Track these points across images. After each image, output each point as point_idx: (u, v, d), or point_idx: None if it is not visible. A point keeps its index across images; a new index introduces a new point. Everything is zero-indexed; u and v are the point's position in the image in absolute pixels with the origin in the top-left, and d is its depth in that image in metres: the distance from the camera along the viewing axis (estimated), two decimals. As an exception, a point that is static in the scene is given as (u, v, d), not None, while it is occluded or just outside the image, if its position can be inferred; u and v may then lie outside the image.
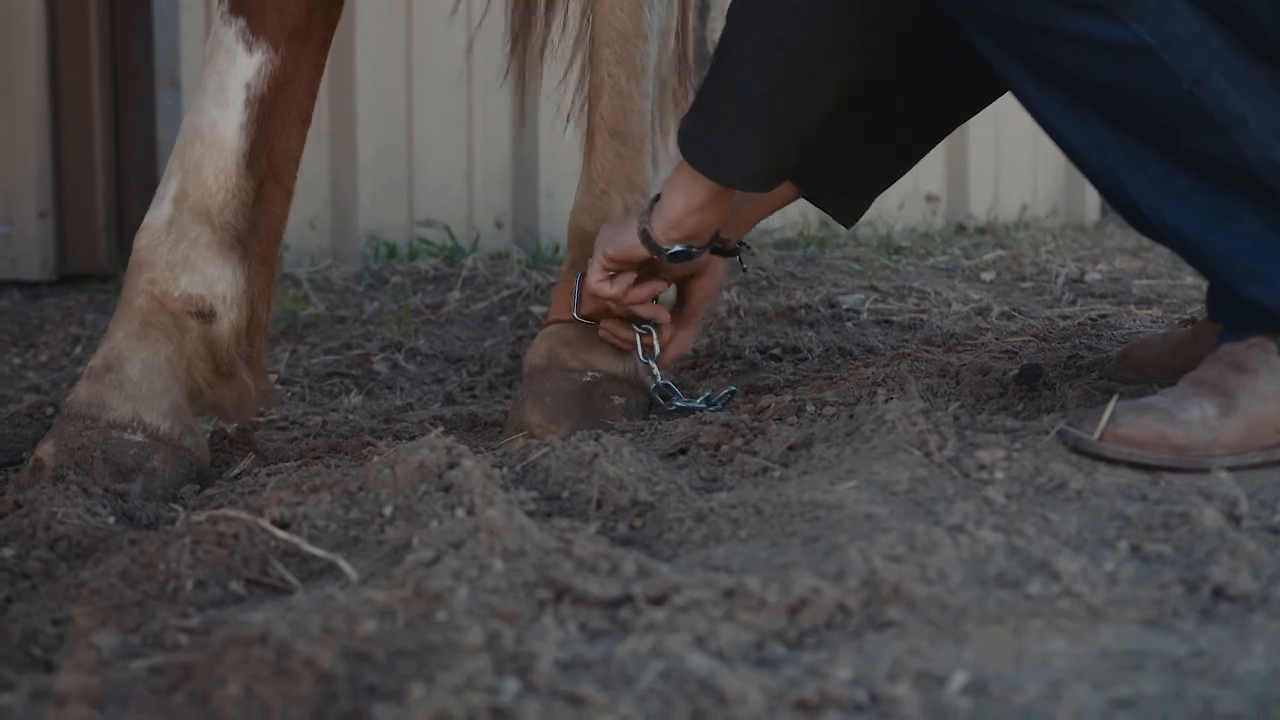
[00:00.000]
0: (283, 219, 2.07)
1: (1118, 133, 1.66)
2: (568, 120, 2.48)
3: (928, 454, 1.66)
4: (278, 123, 2.00)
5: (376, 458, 1.65)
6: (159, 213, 1.95)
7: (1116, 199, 1.73)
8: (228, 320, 1.97)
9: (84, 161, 3.31)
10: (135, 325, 1.92)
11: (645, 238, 1.92)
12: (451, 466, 1.59)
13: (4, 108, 3.24)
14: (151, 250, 1.94)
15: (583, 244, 2.12)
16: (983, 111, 4.21)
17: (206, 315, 1.95)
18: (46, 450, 1.84)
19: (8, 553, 1.54)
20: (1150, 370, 2.06)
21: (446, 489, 1.55)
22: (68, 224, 3.31)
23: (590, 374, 2.04)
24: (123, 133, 3.32)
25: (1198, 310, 2.68)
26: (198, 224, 1.95)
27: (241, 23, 1.96)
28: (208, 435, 2.02)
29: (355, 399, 2.41)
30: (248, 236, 2.00)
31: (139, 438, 1.87)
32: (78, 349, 2.72)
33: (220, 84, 1.96)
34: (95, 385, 1.89)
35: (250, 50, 1.97)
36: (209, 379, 1.97)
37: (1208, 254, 1.67)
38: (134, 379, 1.89)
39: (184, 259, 1.93)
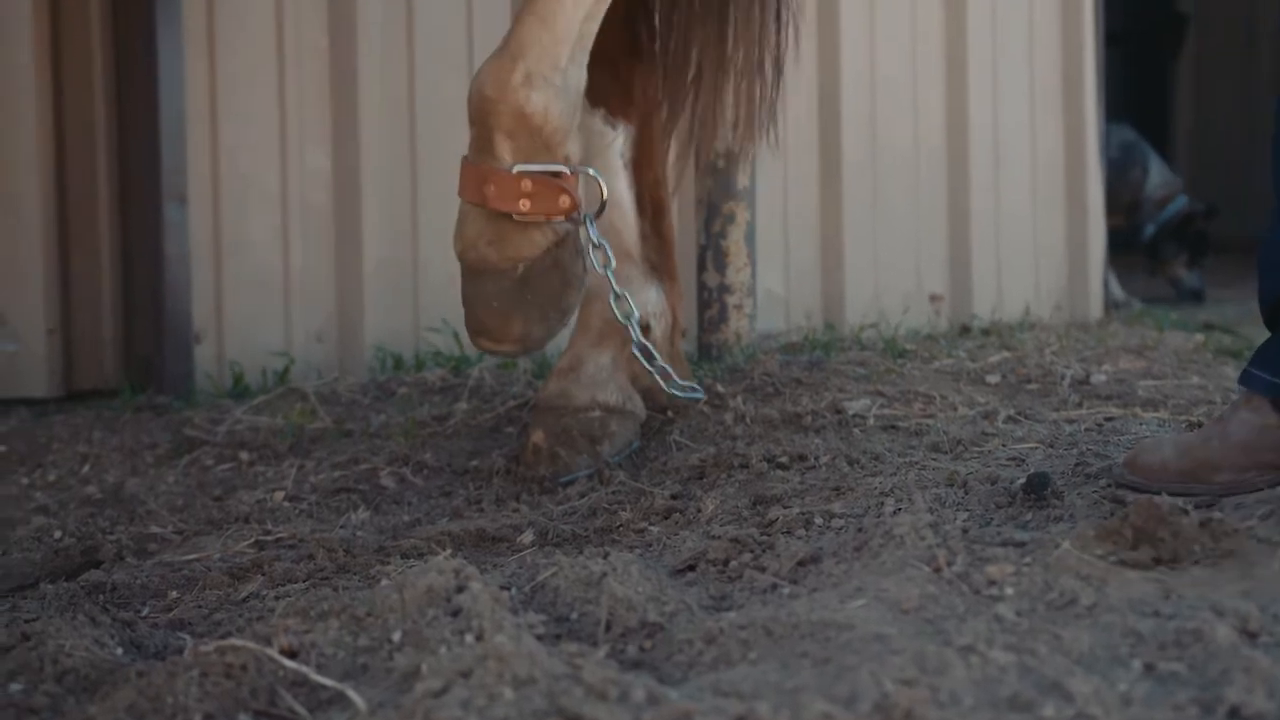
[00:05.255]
0: (672, 240, 2.71)
1: None
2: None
3: (937, 570, 1.65)
4: (645, 173, 2.63)
5: (384, 581, 1.64)
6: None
7: None
8: (659, 329, 2.65)
9: (91, 277, 3.33)
10: (591, 337, 2.58)
11: None
12: (460, 590, 1.58)
13: (11, 224, 3.26)
14: (599, 287, 2.52)
15: (480, 115, 2.18)
16: (983, 209, 4.21)
17: (644, 327, 2.59)
18: (539, 436, 2.49)
19: (15, 688, 1.53)
20: (1158, 474, 2.05)
21: (455, 613, 1.54)
22: (74, 339, 3.32)
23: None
24: (129, 246, 3.34)
25: (1204, 412, 2.68)
26: (625, 264, 2.57)
27: (601, 111, 2.57)
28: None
29: (363, 514, 2.40)
30: (658, 264, 2.66)
31: (598, 413, 2.51)
32: (85, 467, 2.72)
33: (605, 159, 2.57)
34: (561, 381, 2.55)
35: (614, 128, 2.59)
36: (642, 371, 2.58)
37: None
38: (589, 373, 2.55)
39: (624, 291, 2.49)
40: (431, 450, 2.70)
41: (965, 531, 1.80)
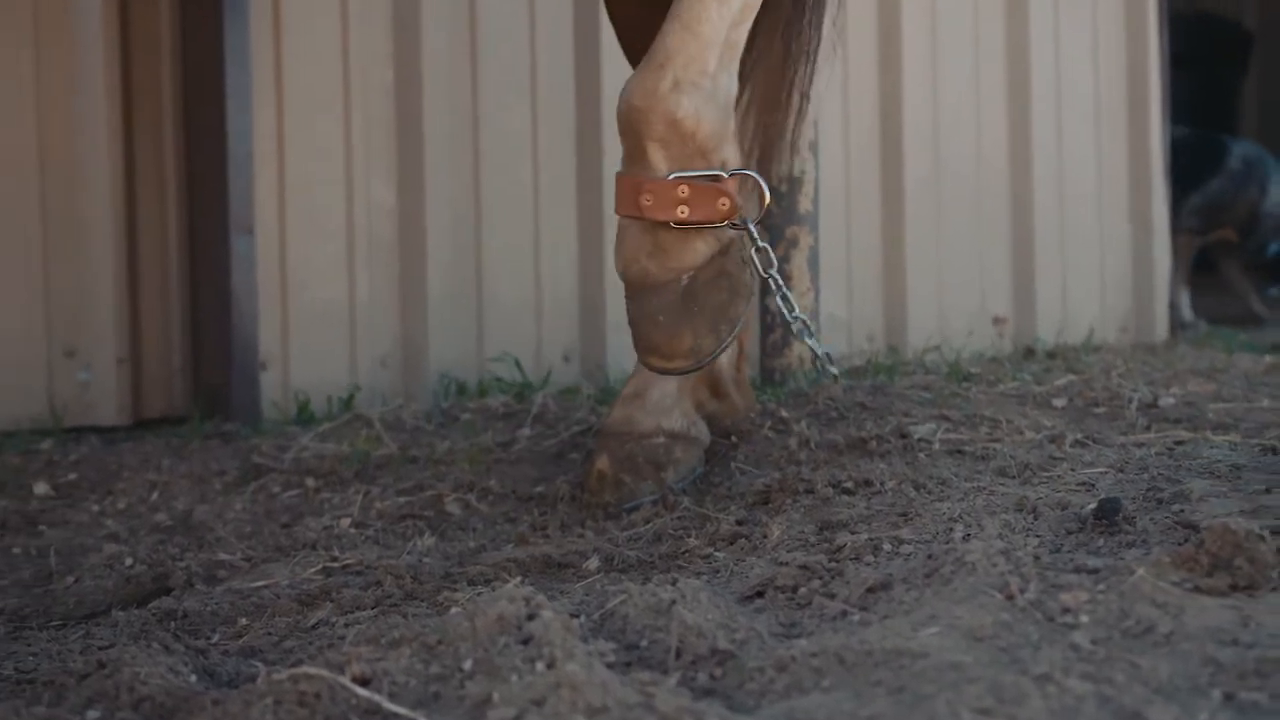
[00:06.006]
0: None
1: None
2: None
3: (1009, 597, 1.64)
4: None
5: (455, 609, 1.65)
6: None
7: None
8: (725, 356, 2.58)
9: (160, 307, 3.37)
10: None
11: None
12: (530, 618, 1.58)
13: (81, 256, 3.31)
14: None
15: (630, 126, 2.14)
16: (1047, 230, 4.18)
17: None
18: (604, 462, 2.45)
19: (93, 715, 1.54)
20: None
21: (526, 641, 1.54)
22: (144, 367, 3.36)
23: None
24: (197, 277, 3.39)
25: (1276, 435, 2.64)
26: None
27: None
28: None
29: (429, 541, 2.41)
30: None
31: (662, 440, 2.49)
32: (155, 495, 2.74)
33: None
34: (626, 408, 2.52)
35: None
36: (706, 397, 2.64)
37: None
38: (654, 400, 2.52)
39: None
40: (496, 476, 2.71)
41: (1037, 558, 1.78)
